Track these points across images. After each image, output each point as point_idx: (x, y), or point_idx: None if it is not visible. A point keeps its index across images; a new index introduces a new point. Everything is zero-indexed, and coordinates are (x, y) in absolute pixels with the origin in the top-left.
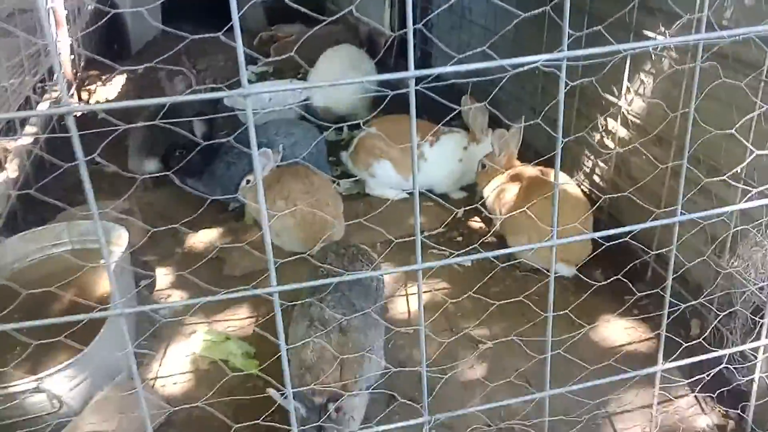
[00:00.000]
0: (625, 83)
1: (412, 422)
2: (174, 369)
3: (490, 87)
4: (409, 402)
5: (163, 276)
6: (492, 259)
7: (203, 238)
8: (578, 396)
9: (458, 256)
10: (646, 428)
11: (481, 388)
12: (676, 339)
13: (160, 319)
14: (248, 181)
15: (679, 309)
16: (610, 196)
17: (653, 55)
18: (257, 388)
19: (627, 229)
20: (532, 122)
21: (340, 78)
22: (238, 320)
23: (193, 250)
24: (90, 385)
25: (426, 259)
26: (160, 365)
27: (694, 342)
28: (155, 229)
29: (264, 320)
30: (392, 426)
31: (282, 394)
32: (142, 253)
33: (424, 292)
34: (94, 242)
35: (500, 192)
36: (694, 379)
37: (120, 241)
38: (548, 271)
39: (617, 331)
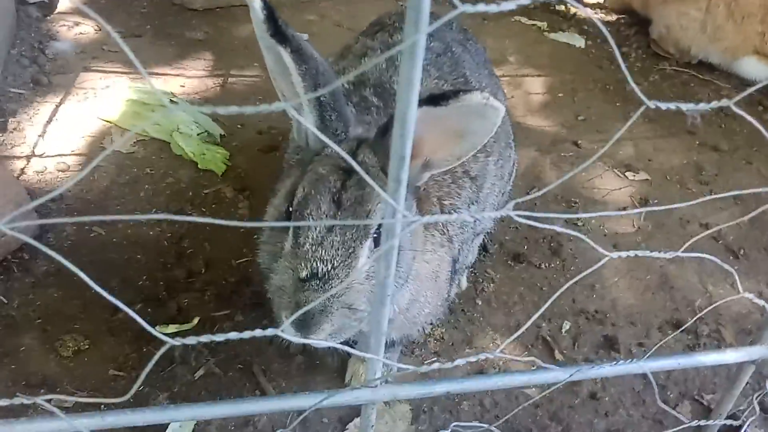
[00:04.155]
0: None
1: None
2: (67, 145)
3: None
4: None
5: None
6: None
7: None
8: None
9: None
10: None
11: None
12: None
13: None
14: None
15: None
16: None
17: None
18: (221, 197)
19: None
20: None
21: None
22: (196, 79)
23: None
24: None
25: (506, 27)
26: (42, 136)
27: None
28: None
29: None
30: None
31: None
32: None
33: (511, 75)
34: None
35: None
36: None
37: None
38: (724, 66)
39: None
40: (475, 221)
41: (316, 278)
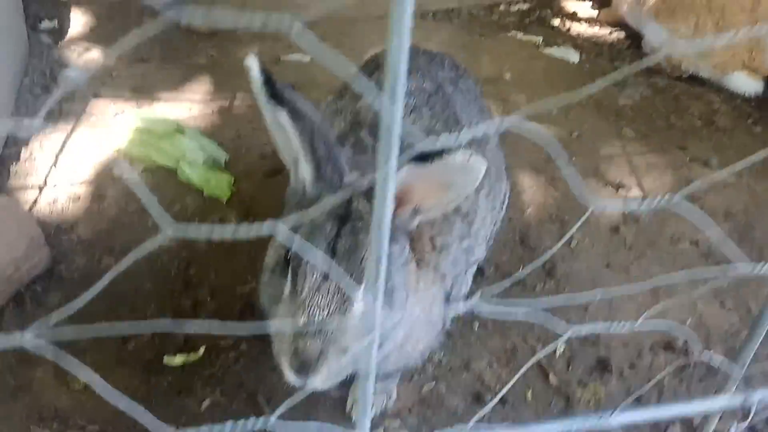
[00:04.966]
0: None
1: None
2: (78, 175)
3: None
4: None
5: (80, 21)
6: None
7: None
8: None
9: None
10: None
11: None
12: None
13: (70, 80)
14: None
15: None
16: None
17: None
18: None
19: None
20: None
21: None
22: (202, 103)
23: None
24: None
25: (502, 43)
26: (55, 165)
27: None
28: None
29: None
30: None
31: None
32: None
33: (506, 92)
34: None
35: None
36: None
37: None
38: (714, 80)
39: None
40: (467, 253)
41: (313, 324)
